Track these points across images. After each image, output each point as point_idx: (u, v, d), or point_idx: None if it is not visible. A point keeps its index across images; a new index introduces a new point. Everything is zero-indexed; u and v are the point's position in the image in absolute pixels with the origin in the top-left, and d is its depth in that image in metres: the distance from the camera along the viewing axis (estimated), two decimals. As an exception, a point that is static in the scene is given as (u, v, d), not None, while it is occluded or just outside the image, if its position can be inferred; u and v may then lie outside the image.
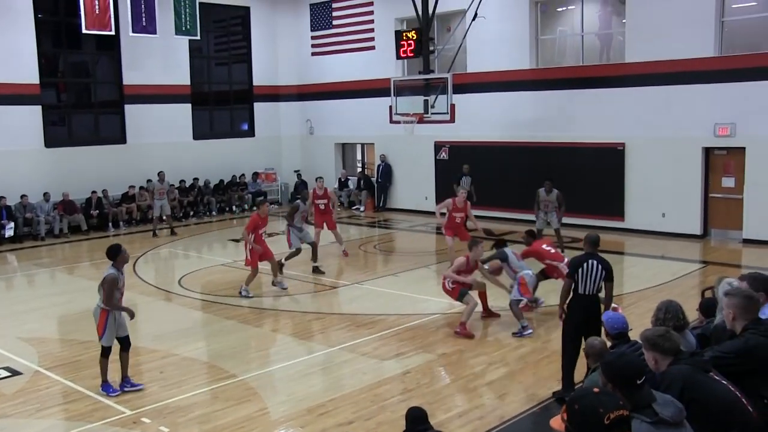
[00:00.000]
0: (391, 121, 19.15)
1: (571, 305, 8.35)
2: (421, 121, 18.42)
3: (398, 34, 19.02)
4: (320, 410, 8.19)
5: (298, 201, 15.39)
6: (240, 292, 13.31)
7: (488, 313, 11.62)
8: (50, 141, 21.35)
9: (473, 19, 18.33)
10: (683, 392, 4.29)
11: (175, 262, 17.80)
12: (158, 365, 9.79)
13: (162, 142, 23.28)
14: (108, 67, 23.34)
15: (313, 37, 25.77)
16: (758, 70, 16.43)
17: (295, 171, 26.06)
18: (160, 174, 20.57)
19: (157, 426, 7.92)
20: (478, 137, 21.06)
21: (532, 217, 16.68)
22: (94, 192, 21.33)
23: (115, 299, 8.63)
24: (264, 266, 13.71)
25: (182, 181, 23.32)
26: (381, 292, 13.60)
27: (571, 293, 8.36)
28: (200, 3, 22.48)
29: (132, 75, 22.73)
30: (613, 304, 8.01)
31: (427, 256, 16.88)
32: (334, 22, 24.96)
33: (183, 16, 21.94)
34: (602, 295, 8.39)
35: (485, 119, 20.78)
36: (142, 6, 20.90)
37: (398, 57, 19.33)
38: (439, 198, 17.01)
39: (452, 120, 17.68)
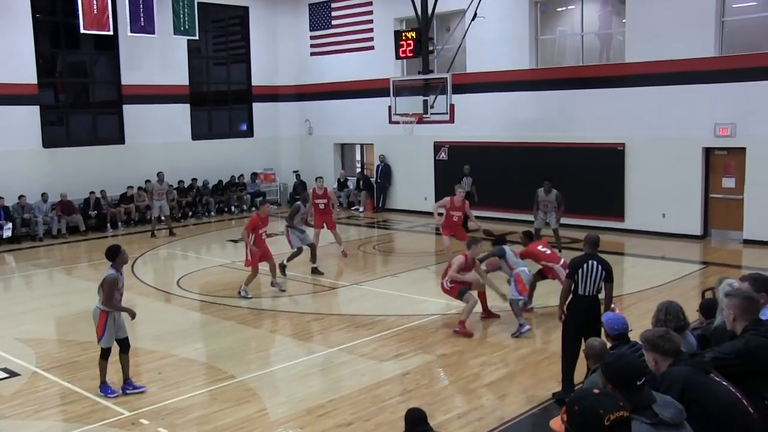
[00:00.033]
0: (391, 122, 19.14)
1: (571, 306, 8.32)
2: (420, 121, 18.42)
3: (397, 34, 18.99)
4: (319, 411, 8.17)
5: (299, 203, 15.32)
6: (239, 292, 13.27)
7: (488, 314, 11.59)
8: (48, 141, 21.29)
9: (473, 19, 18.32)
10: (683, 393, 4.28)
11: (174, 262, 17.75)
12: (157, 366, 9.75)
13: (160, 142, 23.22)
14: (106, 67, 23.29)
15: (312, 37, 25.72)
16: (759, 70, 16.40)
17: (294, 171, 26.02)
18: (160, 174, 20.51)
19: (156, 427, 7.88)
20: (477, 137, 21.02)
21: (531, 217, 16.63)
22: (92, 192, 21.27)
23: (114, 300, 8.59)
24: (263, 267, 13.66)
25: (181, 182, 23.26)
26: (380, 293, 13.56)
27: (571, 294, 8.32)
28: (199, 3, 22.40)
29: (130, 75, 22.67)
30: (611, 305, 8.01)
31: (427, 257, 16.84)
32: (333, 22, 24.91)
33: (181, 15, 21.88)
34: (602, 296, 8.35)
35: (485, 119, 20.74)
36: (140, 6, 20.83)
37: (397, 57, 19.30)
38: (439, 198, 16.99)
39: (452, 120, 17.67)
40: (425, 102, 17.68)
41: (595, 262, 8.20)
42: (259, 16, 26.01)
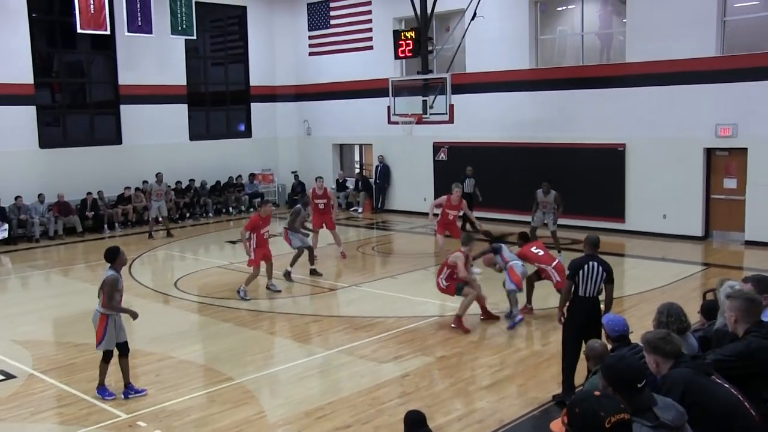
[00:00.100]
0: (390, 122, 19.07)
1: (571, 308, 8.28)
2: (419, 121, 18.38)
3: (396, 34, 18.90)
4: (318, 413, 8.12)
5: (299, 206, 15.17)
6: (238, 291, 13.19)
7: (488, 315, 11.54)
8: (45, 142, 21.18)
9: (472, 19, 18.26)
10: (684, 396, 4.28)
11: (172, 264, 17.68)
12: (154, 368, 9.69)
13: (158, 143, 23.11)
14: (103, 67, 23.18)
15: (310, 37, 25.64)
16: (760, 70, 16.34)
17: (293, 172, 25.94)
18: (158, 175, 20.40)
19: (153, 429, 7.82)
20: (477, 138, 20.94)
21: (530, 218, 16.55)
22: (89, 193, 21.15)
23: (115, 301, 8.52)
24: (261, 267, 13.57)
25: (178, 183, 23.16)
26: (379, 295, 13.48)
27: (571, 295, 8.28)
28: (196, 2, 22.32)
29: (127, 75, 22.57)
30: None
31: (426, 258, 16.73)
32: (332, 22, 24.83)
33: (179, 15, 21.79)
34: (602, 297, 8.32)
35: (484, 120, 20.67)
36: (138, 5, 20.74)
37: (396, 57, 19.20)
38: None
39: (451, 120, 17.58)
40: (424, 102, 17.60)
41: (595, 264, 8.16)
42: (258, 15, 25.92)
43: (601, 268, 8.14)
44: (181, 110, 24.07)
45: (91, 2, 19.74)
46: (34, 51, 20.88)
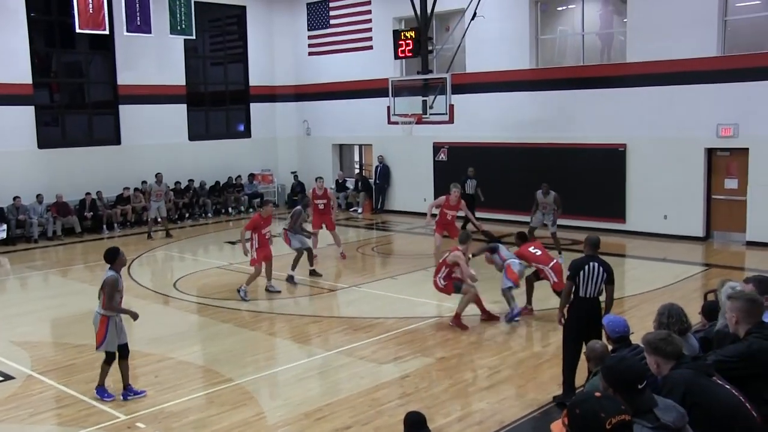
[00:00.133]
0: (390, 122, 19.01)
1: (571, 308, 8.25)
2: (419, 121, 18.33)
3: (396, 34, 18.86)
4: (317, 415, 8.09)
5: (299, 208, 15.07)
6: (238, 291, 13.14)
7: (488, 316, 11.51)
8: (43, 142, 21.12)
9: (472, 19, 18.21)
10: (685, 397, 4.28)
11: (171, 264, 17.64)
12: (153, 369, 9.66)
13: (157, 143, 23.05)
14: (102, 67, 23.12)
15: (310, 37, 25.58)
16: (762, 70, 16.30)
17: (292, 172, 25.89)
18: (158, 176, 20.35)
19: (152, 431, 7.78)
20: (477, 138, 20.89)
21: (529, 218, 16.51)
22: (88, 194, 21.09)
23: (115, 302, 8.48)
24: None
25: (177, 183, 23.11)
26: (379, 295, 13.44)
27: (572, 296, 8.25)
28: (195, 2, 22.28)
29: (126, 75, 22.51)
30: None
31: (426, 259, 16.61)
32: (332, 22, 24.78)
33: (178, 15, 21.75)
34: (603, 298, 8.30)
35: (485, 120, 20.62)
36: (137, 5, 20.69)
37: (396, 57, 19.15)
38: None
39: (451, 121, 17.53)
40: (424, 102, 17.55)
41: (596, 264, 8.14)
42: (257, 15, 25.86)
43: (601, 269, 8.12)
44: (181, 110, 24.01)
45: (90, 2, 19.70)
46: (33, 51, 20.84)
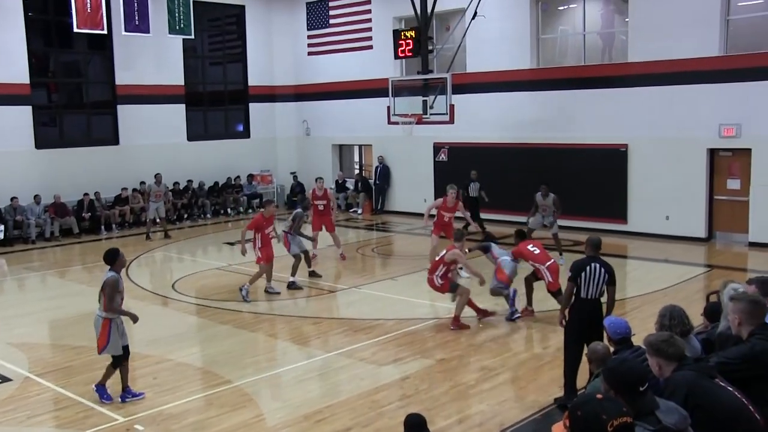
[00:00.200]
0: (390, 122, 18.98)
1: (573, 310, 8.21)
2: (419, 122, 18.30)
3: (396, 34, 18.82)
4: (317, 417, 8.05)
5: (299, 210, 14.95)
6: (240, 289, 13.07)
7: (483, 313, 11.48)
8: (41, 142, 21.03)
9: (473, 18, 18.16)
10: (688, 399, 4.28)
11: (170, 265, 17.59)
12: (152, 371, 9.60)
13: (155, 143, 22.97)
14: (100, 66, 23.03)
15: (309, 37, 25.52)
16: (764, 70, 16.23)
17: (292, 173, 25.82)
18: (157, 176, 20.28)
19: (151, 434, 7.72)
20: (477, 138, 20.82)
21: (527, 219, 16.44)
22: (86, 194, 21.02)
23: (116, 303, 8.40)
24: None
25: (176, 183, 23.04)
26: (379, 296, 13.38)
27: (573, 298, 8.20)
28: (194, 1, 22.24)
29: (125, 75, 22.44)
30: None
31: (426, 260, 16.52)
32: (331, 21, 24.72)
33: (177, 14, 21.68)
34: (604, 299, 8.25)
35: (485, 120, 20.55)
36: (135, 4, 20.64)
37: (396, 57, 19.12)
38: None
39: (451, 121, 17.48)
40: (424, 102, 17.50)
41: (597, 265, 8.10)
42: (256, 15, 25.79)
43: (603, 270, 8.08)
44: (179, 110, 23.94)
45: (88, 1, 19.64)
46: (30, 51, 20.76)
